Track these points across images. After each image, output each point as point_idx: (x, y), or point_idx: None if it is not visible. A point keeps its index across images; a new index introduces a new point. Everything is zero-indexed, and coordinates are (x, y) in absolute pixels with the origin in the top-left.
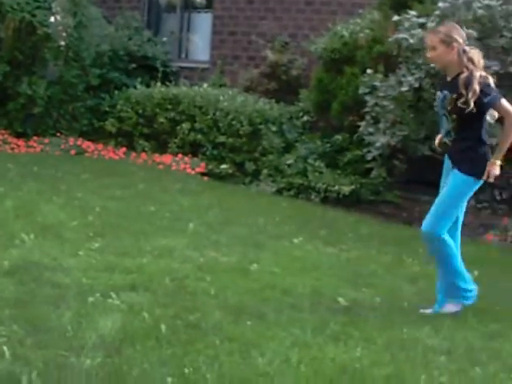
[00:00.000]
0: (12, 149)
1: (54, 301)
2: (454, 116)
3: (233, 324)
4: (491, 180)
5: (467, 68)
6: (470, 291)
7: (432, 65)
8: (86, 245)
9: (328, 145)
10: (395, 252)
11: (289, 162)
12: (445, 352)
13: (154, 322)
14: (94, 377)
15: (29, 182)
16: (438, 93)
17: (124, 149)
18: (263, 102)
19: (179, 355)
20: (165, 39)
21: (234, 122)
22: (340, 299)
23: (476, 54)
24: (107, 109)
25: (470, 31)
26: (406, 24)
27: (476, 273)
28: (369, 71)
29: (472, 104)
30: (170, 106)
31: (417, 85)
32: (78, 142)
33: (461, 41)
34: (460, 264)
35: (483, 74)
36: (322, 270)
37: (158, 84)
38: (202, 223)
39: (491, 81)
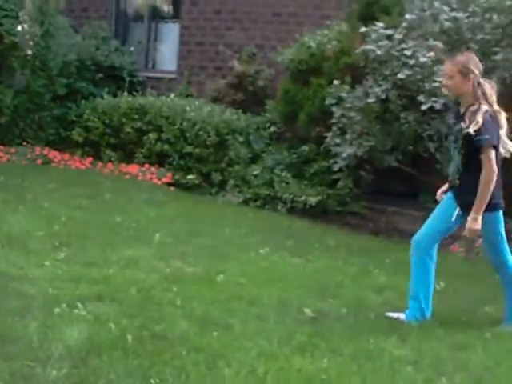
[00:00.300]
0: None
1: (19, 311)
2: (462, 151)
3: (199, 335)
4: (471, 236)
5: (478, 101)
6: None
7: (398, 76)
8: (52, 255)
9: (295, 155)
10: (362, 263)
11: (255, 172)
12: (411, 362)
13: (120, 333)
14: None
15: None
16: (454, 127)
17: (90, 158)
18: (230, 113)
19: (145, 366)
20: (132, 49)
21: (200, 133)
22: (306, 310)
23: (489, 88)
24: (74, 118)
25: (437, 43)
26: (374, 35)
27: (442, 284)
28: (336, 82)
29: (472, 130)
30: (136, 116)
31: (383, 96)
32: (45, 152)
33: (477, 72)
34: None
35: (494, 109)
36: (289, 281)
37: (125, 94)
38: (169, 234)
39: (502, 117)
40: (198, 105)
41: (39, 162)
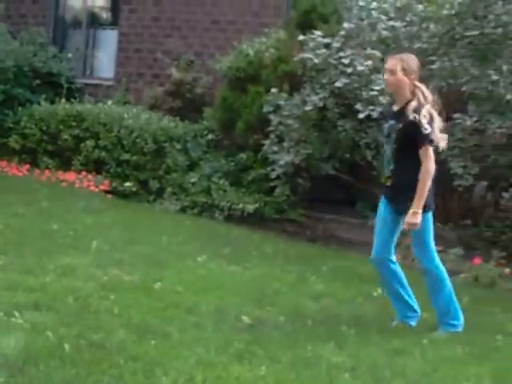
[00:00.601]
0: None
1: None
2: (395, 146)
3: (137, 343)
4: (411, 228)
5: (418, 98)
6: None
7: (336, 84)
8: None
9: (232, 163)
10: (299, 270)
11: (193, 180)
12: (349, 369)
13: (57, 341)
14: None
15: None
16: (385, 124)
17: (28, 166)
18: (168, 120)
19: (83, 375)
20: (70, 55)
21: (138, 140)
22: (244, 318)
23: (425, 89)
24: (11, 125)
25: (375, 52)
26: (311, 44)
27: (379, 290)
28: (273, 90)
29: (427, 126)
30: (74, 123)
31: (321, 104)
32: None
33: (417, 73)
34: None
35: (431, 108)
36: (226, 289)
37: (63, 101)
38: (106, 241)
39: (437, 116)
40: (135, 112)
41: None
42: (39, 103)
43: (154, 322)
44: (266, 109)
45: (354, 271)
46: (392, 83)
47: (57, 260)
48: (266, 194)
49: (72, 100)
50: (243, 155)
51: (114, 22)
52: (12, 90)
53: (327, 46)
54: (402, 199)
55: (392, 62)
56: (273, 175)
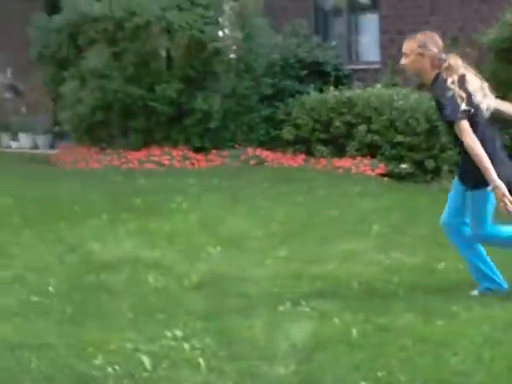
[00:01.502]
0: (192, 164)
1: (243, 311)
2: (447, 125)
3: (423, 324)
4: (503, 205)
5: (442, 73)
6: None
7: None
8: (272, 253)
9: (506, 136)
10: None
11: None
12: None
13: (344, 327)
14: None
15: (211, 195)
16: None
17: (302, 155)
18: None
19: (371, 358)
20: (334, 43)
21: (410, 121)
22: None
23: (453, 58)
24: (282, 117)
25: None
26: None
27: None
28: None
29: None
30: (344, 110)
31: None
32: (257, 152)
33: (435, 50)
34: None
35: (460, 74)
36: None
37: (331, 88)
38: (385, 225)
39: (473, 78)
40: (404, 93)
41: (252, 162)
42: (308, 93)
43: (439, 303)
44: None
45: None
46: (408, 67)
47: (338, 246)
48: None
49: (340, 87)
50: None
51: (373, 6)
52: (280, 83)
53: None
54: (463, 176)
55: (406, 46)
56: None
